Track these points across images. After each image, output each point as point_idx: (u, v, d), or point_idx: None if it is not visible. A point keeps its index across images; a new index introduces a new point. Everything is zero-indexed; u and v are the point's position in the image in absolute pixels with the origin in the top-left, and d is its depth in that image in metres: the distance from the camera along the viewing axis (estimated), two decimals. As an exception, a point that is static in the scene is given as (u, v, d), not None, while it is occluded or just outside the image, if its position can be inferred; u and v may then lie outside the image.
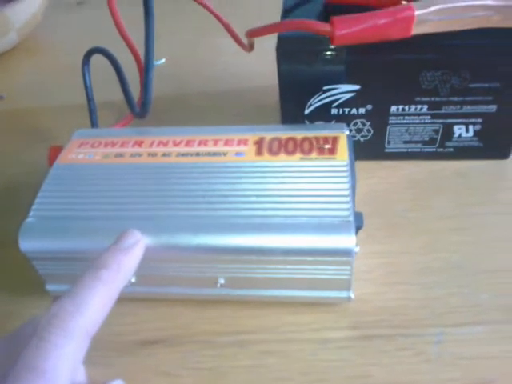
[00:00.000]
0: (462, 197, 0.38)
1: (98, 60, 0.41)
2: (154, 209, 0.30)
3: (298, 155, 0.32)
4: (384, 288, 0.32)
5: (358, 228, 0.29)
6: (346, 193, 0.29)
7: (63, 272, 0.31)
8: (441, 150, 0.40)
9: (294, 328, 0.30)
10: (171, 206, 0.30)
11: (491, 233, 0.35)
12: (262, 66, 0.50)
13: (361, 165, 0.37)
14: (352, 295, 0.30)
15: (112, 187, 0.32)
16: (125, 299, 0.32)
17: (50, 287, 0.32)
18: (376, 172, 0.40)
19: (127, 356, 0.30)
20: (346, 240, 0.27)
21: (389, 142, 0.40)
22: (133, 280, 0.30)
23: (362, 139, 0.40)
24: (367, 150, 0.41)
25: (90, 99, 0.42)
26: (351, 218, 0.28)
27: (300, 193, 0.30)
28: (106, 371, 0.29)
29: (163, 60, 0.58)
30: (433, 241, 0.34)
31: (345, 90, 0.37)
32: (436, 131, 0.39)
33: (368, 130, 0.40)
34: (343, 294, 0.30)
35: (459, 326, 0.29)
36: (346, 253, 0.27)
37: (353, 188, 0.30)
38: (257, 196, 0.30)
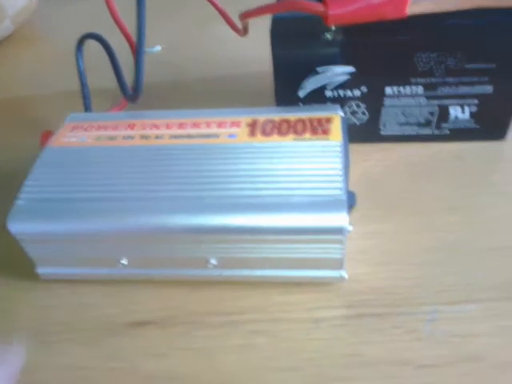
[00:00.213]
0: (458, 178, 0.37)
1: (94, 48, 0.41)
2: (146, 190, 0.30)
3: (292, 136, 0.32)
4: (378, 268, 0.31)
5: (351, 206, 0.29)
6: (339, 172, 0.29)
7: (53, 254, 0.31)
8: (437, 132, 0.40)
9: (286, 308, 0.30)
10: (163, 188, 0.30)
11: (486, 213, 0.35)
12: (258, 51, 0.49)
13: (356, 148, 0.36)
14: (345, 275, 0.30)
15: (103, 169, 0.31)
16: (115, 281, 0.32)
17: (40, 270, 0.32)
18: (372, 155, 0.40)
19: (116, 337, 0.30)
20: (339, 218, 0.27)
21: (384, 125, 0.40)
22: (124, 262, 0.30)
23: (357, 122, 0.40)
24: (363, 132, 0.40)
25: (83, 85, 0.41)
26: (344, 197, 0.28)
27: (292, 172, 0.30)
28: (94, 352, 0.29)
29: (159, 48, 0.58)
30: (428, 221, 0.34)
31: (339, 72, 0.37)
32: (432, 113, 0.39)
33: (363, 113, 0.39)
34: (336, 274, 0.30)
35: (452, 304, 0.29)
36: (338, 231, 0.27)
37: (346, 168, 0.30)
38: (249, 176, 0.30)
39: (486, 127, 0.39)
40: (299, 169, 0.30)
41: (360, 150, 0.39)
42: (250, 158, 0.31)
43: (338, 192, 0.28)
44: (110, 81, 0.42)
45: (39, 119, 0.49)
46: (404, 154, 0.40)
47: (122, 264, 0.30)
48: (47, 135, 0.35)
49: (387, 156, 0.40)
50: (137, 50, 0.35)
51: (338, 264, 0.29)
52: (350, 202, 0.29)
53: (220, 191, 0.29)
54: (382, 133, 0.41)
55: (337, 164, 0.30)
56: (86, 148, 0.33)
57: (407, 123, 0.40)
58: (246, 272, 0.30)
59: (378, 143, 0.41)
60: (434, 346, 0.27)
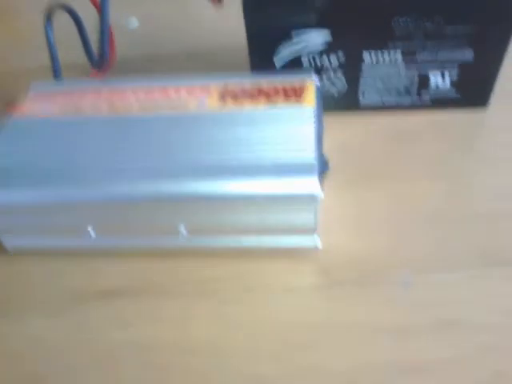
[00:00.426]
0: (440, 146, 0.37)
1: (65, 25, 0.40)
2: (114, 160, 0.29)
3: (263, 101, 0.31)
4: (353, 236, 0.31)
5: (323, 172, 0.28)
6: (311, 137, 0.28)
7: (19, 225, 0.30)
8: (417, 101, 0.39)
9: (258, 276, 0.29)
10: (131, 157, 0.29)
11: (468, 180, 0.34)
12: (234, 24, 0.48)
13: (335, 118, 0.35)
14: (319, 243, 0.29)
15: (68, 140, 0.30)
16: (83, 253, 0.31)
17: (5, 241, 0.31)
18: (351, 125, 0.39)
19: (85, 307, 0.29)
20: (309, 182, 0.26)
21: (363, 94, 0.39)
22: (91, 232, 0.29)
23: (335, 92, 0.39)
24: (342, 103, 0.39)
25: (53, 58, 0.40)
26: (315, 161, 0.27)
27: (263, 138, 0.29)
28: (64, 322, 0.28)
29: (136, 23, 0.56)
30: (407, 189, 0.33)
31: (315, 36, 0.36)
32: (411, 81, 0.38)
33: (341, 82, 0.38)
34: (309, 242, 0.29)
35: (428, 272, 0.28)
36: (309, 195, 0.26)
37: (319, 134, 0.29)
38: (217, 143, 0.29)
39: (467, 95, 0.38)
40: (270, 135, 0.29)
41: (339, 120, 0.38)
42: (219, 125, 0.30)
43: (310, 157, 0.27)
44: (82, 56, 0.41)
45: (11, 92, 0.47)
46: (384, 123, 0.39)
47: (90, 234, 0.29)
48: (12, 106, 0.34)
49: (366, 126, 0.39)
50: (101, 12, 0.34)
51: (310, 231, 0.28)
52: (322, 167, 0.28)
53: (188, 159, 0.28)
54: (362, 103, 0.39)
55: (309, 129, 0.29)
56: (51, 119, 0.32)
57: (387, 92, 0.39)
58: (217, 240, 0.29)
59: (358, 114, 0.40)
60: (409, 311, 0.26)
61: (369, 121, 0.39)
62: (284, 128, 0.29)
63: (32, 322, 0.28)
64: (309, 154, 0.27)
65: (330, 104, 0.38)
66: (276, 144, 0.28)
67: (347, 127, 0.39)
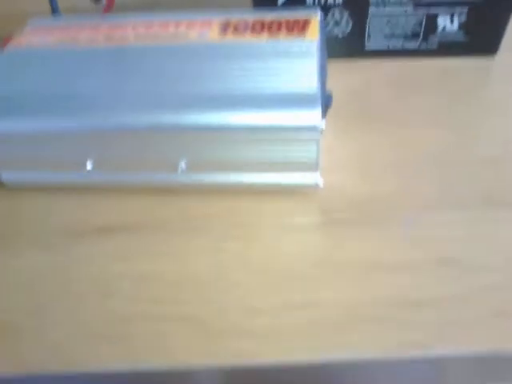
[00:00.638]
0: (445, 93, 0.36)
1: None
2: (113, 89, 0.28)
3: (266, 35, 0.30)
4: (356, 177, 0.30)
5: (326, 107, 0.27)
6: (314, 69, 0.27)
7: (16, 157, 0.29)
8: (424, 45, 0.38)
9: (258, 214, 0.28)
10: (129, 86, 0.28)
11: (473, 127, 0.33)
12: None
13: (340, 64, 0.34)
14: (320, 181, 0.28)
15: (66, 69, 0.29)
16: (81, 189, 0.30)
17: (4, 175, 0.30)
18: (356, 70, 0.38)
19: (85, 242, 0.28)
20: (312, 115, 0.26)
21: (369, 37, 0.38)
22: (89, 166, 0.29)
23: (340, 34, 0.38)
24: (346, 46, 0.38)
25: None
26: (318, 94, 0.26)
27: (265, 70, 0.28)
28: (64, 257, 0.28)
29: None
30: (411, 134, 0.33)
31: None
32: (419, 23, 0.36)
33: (347, 22, 0.37)
34: (310, 180, 0.28)
35: (431, 212, 0.28)
36: (312, 127, 0.26)
37: (322, 68, 0.28)
38: (220, 73, 0.28)
39: (476, 40, 0.37)
40: (272, 66, 0.28)
41: (344, 65, 0.37)
42: (221, 56, 0.29)
43: (312, 89, 0.26)
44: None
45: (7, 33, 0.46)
46: (389, 69, 0.38)
47: (88, 168, 0.29)
48: (8, 40, 0.33)
49: (371, 71, 0.38)
50: None
51: (312, 168, 0.28)
52: (325, 101, 0.27)
53: (189, 88, 0.27)
54: (367, 47, 0.38)
55: (312, 62, 0.28)
56: (48, 49, 0.31)
57: (393, 35, 0.37)
58: (217, 177, 0.29)
59: (363, 59, 0.39)
60: (409, 250, 0.26)
61: (374, 66, 0.38)
62: (287, 60, 0.28)
63: (29, 255, 0.28)
64: (312, 86, 0.26)
65: (335, 48, 0.37)
66: (278, 75, 0.27)
67: (352, 72, 0.38)
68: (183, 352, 0.23)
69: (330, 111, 0.29)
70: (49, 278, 0.27)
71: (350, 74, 0.37)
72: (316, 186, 0.28)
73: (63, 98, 0.28)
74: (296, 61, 0.28)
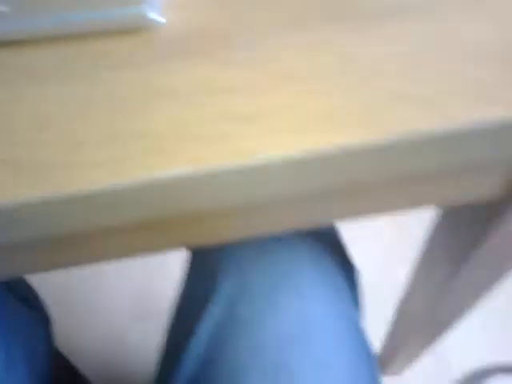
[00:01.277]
0: None
1: None
2: None
3: None
4: (199, 12, 0.28)
5: None
6: None
7: None
8: None
9: (87, 58, 0.27)
10: None
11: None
12: None
13: None
14: (159, 18, 0.27)
15: None
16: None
17: None
18: None
19: None
20: None
21: None
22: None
23: None
24: None
25: None
26: None
27: None
28: None
29: None
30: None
31: None
32: None
33: None
34: (148, 14, 0.27)
35: (272, 35, 0.27)
36: None
37: None
38: None
39: None
40: None
41: None
42: None
43: None
44: None
45: None
46: None
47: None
48: None
49: None
50: None
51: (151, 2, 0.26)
52: None
53: None
54: None
55: None
56: None
57: None
58: (40, 21, 0.27)
59: None
60: (248, 71, 0.25)
61: None
62: None
63: None
64: None
65: None
66: None
67: None
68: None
69: None
70: None
71: None
72: (155, 22, 0.27)
73: None
74: None
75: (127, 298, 1.12)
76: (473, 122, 0.23)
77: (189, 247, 0.30)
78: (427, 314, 0.54)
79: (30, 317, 0.48)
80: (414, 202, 0.30)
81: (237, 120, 0.24)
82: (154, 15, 0.27)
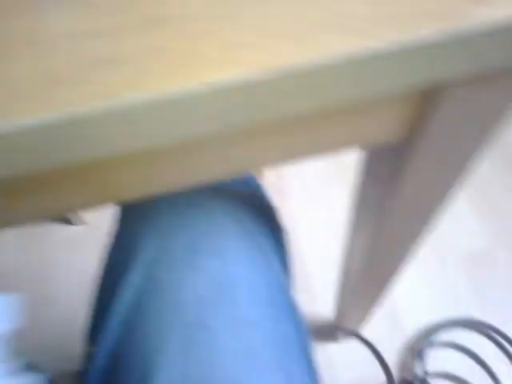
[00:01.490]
0: None
1: None
2: None
3: None
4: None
5: None
6: None
7: None
8: None
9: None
10: None
11: None
12: None
13: None
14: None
15: None
16: None
17: None
18: None
19: None
20: None
21: None
22: None
23: None
24: None
25: None
26: None
27: None
28: None
29: None
30: None
31: None
32: None
33: None
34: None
35: None
36: None
37: None
38: None
39: None
40: None
41: None
42: None
43: None
44: None
45: None
46: None
47: None
48: None
49: None
50: None
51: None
52: None
53: None
54: None
55: None
56: None
57: None
58: None
59: None
60: (110, 14, 0.24)
61: None
62: None
63: None
64: None
65: None
66: None
67: None
68: None
69: None
70: None
71: None
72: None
73: None
74: None
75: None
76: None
77: (107, 203, 0.29)
78: (368, 262, 0.54)
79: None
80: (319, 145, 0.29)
81: (102, 63, 0.22)
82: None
